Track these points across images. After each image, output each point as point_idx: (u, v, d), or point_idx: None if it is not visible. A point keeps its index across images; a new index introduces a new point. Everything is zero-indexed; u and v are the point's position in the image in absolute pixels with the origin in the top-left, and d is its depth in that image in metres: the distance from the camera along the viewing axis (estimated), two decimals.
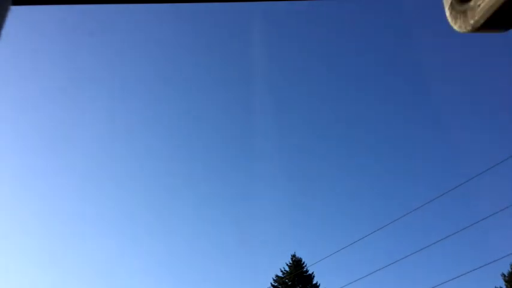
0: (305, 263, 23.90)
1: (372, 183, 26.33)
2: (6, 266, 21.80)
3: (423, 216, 21.88)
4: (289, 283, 23.65)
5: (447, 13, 0.80)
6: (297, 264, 23.94)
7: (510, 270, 22.17)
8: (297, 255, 24.15)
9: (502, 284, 22.05)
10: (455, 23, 0.78)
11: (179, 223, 25.47)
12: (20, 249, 23.87)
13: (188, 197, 25.21)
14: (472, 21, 0.71)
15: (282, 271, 24.00)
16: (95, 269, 25.28)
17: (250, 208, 26.34)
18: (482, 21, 0.69)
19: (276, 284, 23.93)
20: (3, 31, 0.71)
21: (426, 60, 21.43)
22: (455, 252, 24.42)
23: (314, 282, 23.61)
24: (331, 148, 25.91)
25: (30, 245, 24.28)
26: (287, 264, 24.06)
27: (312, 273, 23.70)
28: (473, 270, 18.19)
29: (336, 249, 21.54)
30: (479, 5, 0.69)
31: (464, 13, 0.74)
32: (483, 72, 21.93)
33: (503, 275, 22.16)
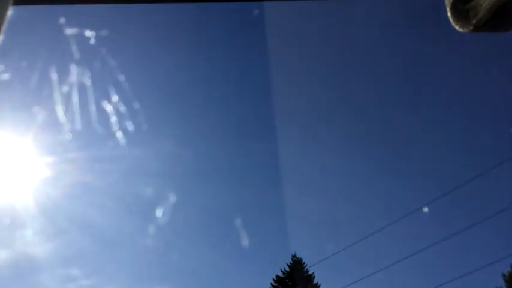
0: (305, 263, 23.96)
1: (373, 183, 26.31)
2: None
3: (424, 217, 21.85)
4: (290, 283, 23.68)
5: (449, 13, 0.80)
6: (297, 264, 23.97)
7: (510, 270, 22.18)
8: (298, 255, 24.20)
9: (503, 284, 22.07)
10: (456, 23, 0.78)
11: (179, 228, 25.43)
12: None
13: (189, 198, 25.18)
14: (474, 21, 0.71)
15: (282, 271, 24.04)
16: None
17: (250, 208, 26.35)
18: (484, 21, 0.69)
19: (276, 284, 23.97)
20: (4, 31, 0.71)
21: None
22: (456, 253, 24.40)
23: (314, 282, 23.64)
24: (332, 146, 25.89)
25: None
26: (287, 264, 24.10)
27: (313, 273, 23.73)
28: (474, 271, 18.22)
29: (337, 249, 21.58)
30: (481, 5, 0.68)
31: (466, 13, 0.74)
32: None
33: (503, 275, 22.17)
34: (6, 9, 0.69)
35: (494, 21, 0.69)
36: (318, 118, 24.89)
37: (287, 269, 23.96)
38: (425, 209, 19.21)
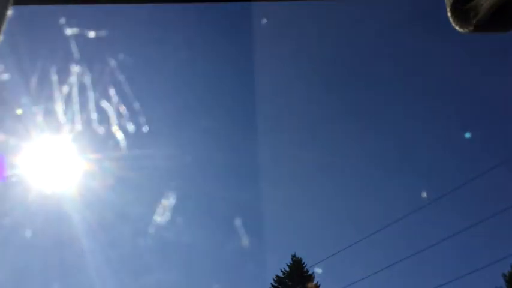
0: (305, 263, 23.95)
1: (373, 182, 26.33)
2: None
3: (425, 217, 21.88)
4: (290, 283, 23.67)
5: (449, 13, 0.80)
6: (297, 264, 23.96)
7: (510, 270, 22.16)
8: (297, 255, 24.20)
9: (503, 284, 22.06)
10: (456, 23, 0.78)
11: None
12: None
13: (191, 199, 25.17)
14: (474, 21, 0.71)
15: (282, 271, 24.03)
16: None
17: (250, 207, 26.35)
18: (484, 20, 0.69)
19: (276, 284, 23.96)
20: (3, 31, 0.71)
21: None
22: (456, 253, 24.41)
23: (314, 282, 23.63)
24: (333, 146, 25.92)
25: None
26: (287, 265, 24.09)
27: (313, 273, 23.73)
28: (474, 271, 18.21)
29: (338, 249, 21.58)
30: (481, 5, 0.68)
31: (466, 13, 0.73)
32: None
33: (503, 275, 22.15)
34: (6, 9, 0.69)
35: (494, 21, 0.69)
36: (317, 119, 24.92)
37: (287, 269, 23.95)
38: (424, 194, 19.27)
